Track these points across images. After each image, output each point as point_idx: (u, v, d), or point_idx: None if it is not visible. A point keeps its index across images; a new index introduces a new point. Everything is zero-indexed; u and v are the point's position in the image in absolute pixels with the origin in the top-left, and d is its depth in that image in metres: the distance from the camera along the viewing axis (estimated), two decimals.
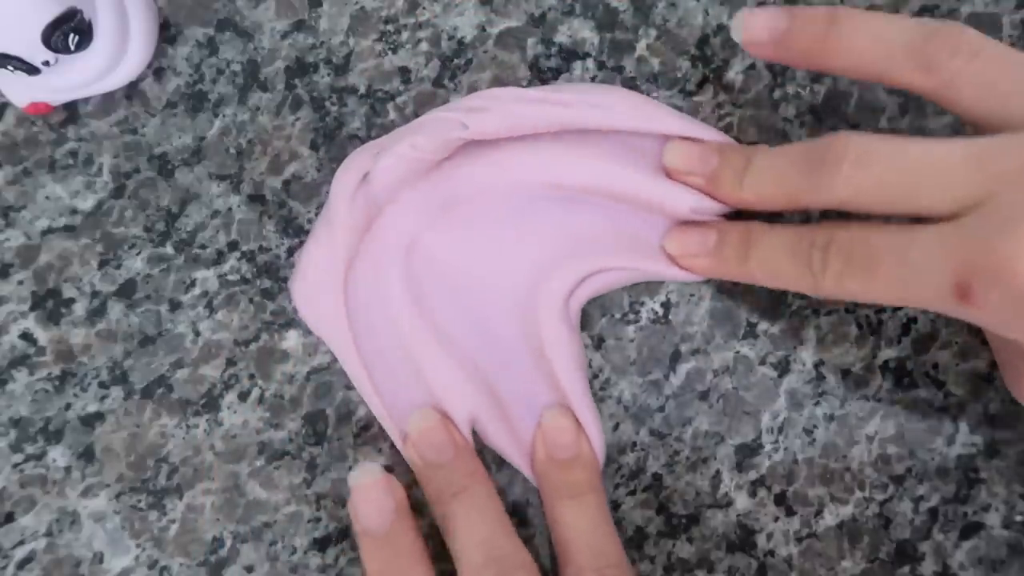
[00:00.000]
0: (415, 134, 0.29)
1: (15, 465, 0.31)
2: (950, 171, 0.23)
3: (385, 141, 0.30)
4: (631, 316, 0.32)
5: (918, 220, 0.24)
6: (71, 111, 0.33)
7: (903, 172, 0.24)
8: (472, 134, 0.29)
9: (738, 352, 0.32)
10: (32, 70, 0.29)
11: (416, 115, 0.33)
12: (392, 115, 0.33)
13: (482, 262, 0.30)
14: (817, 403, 0.32)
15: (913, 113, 0.32)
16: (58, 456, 0.31)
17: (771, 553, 0.31)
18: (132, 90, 0.33)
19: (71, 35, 0.28)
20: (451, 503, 0.28)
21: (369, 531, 0.28)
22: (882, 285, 0.24)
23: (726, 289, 0.32)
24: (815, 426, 0.32)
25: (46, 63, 0.29)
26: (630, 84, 0.33)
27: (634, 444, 0.31)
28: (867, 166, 0.24)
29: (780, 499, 0.31)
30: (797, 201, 0.26)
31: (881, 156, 0.24)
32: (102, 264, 0.32)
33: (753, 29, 0.27)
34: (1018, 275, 0.21)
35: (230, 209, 0.32)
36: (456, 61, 0.33)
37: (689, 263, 0.29)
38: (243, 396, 0.32)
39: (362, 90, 0.33)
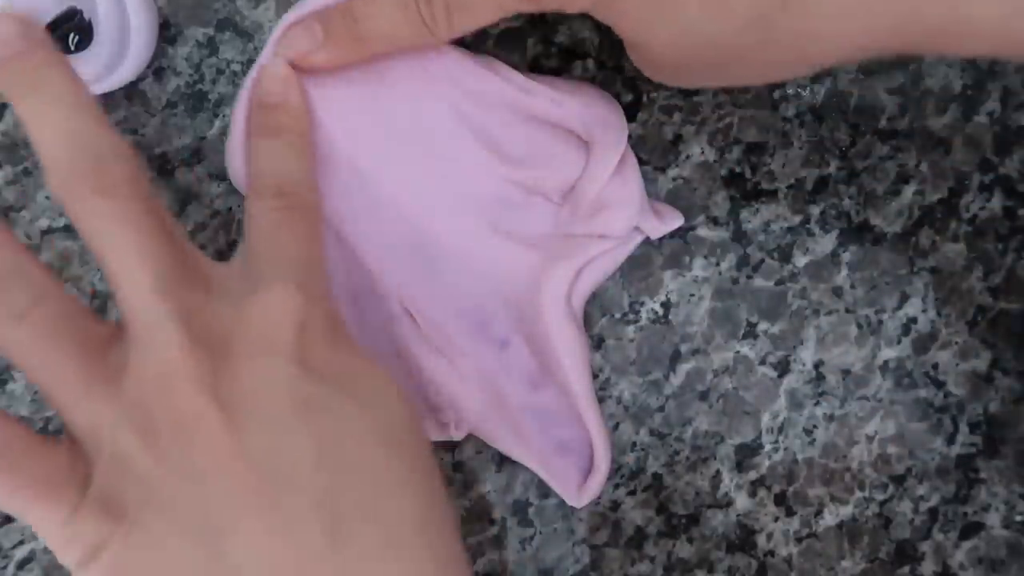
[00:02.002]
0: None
1: None
2: None
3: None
4: (631, 316, 0.32)
5: None
6: None
7: None
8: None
9: (738, 352, 0.32)
10: None
11: None
12: None
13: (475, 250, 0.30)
14: (817, 403, 0.32)
15: (913, 112, 0.32)
16: None
17: (771, 553, 0.31)
18: (132, 90, 0.33)
19: (70, 35, 0.28)
20: (23, 102, 0.24)
21: None
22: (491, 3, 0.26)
23: (726, 289, 0.32)
24: (815, 426, 0.32)
25: None
26: (630, 84, 0.33)
27: (634, 444, 0.31)
28: None
29: (780, 499, 0.31)
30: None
31: None
32: None
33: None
34: None
35: (230, 209, 0.32)
36: None
37: (309, 62, 0.28)
38: None
39: None
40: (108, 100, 0.33)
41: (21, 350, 0.23)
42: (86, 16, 0.28)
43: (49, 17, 0.27)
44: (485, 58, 0.30)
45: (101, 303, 0.32)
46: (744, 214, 0.32)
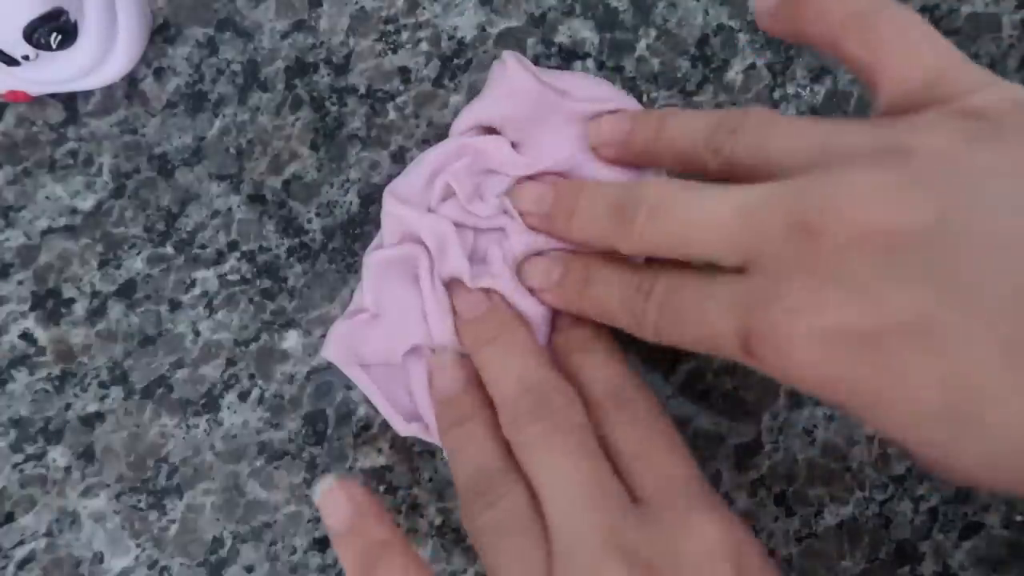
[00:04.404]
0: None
1: (15, 465, 0.31)
2: (721, 226, 0.23)
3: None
4: None
5: None
6: (71, 111, 0.33)
7: (685, 226, 0.24)
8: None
9: None
10: (11, 61, 0.29)
11: (416, 115, 0.33)
12: (392, 115, 0.33)
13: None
14: (817, 403, 0.32)
15: None
16: (58, 456, 0.31)
17: (771, 553, 0.31)
18: (132, 90, 0.33)
19: (54, 34, 0.28)
20: (484, 351, 0.28)
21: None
22: (690, 339, 0.24)
23: None
24: (815, 426, 0.32)
25: (26, 57, 0.29)
26: (630, 84, 0.33)
27: None
28: (658, 219, 0.25)
29: (780, 499, 0.31)
30: (613, 247, 0.26)
31: (670, 209, 0.24)
32: (102, 264, 0.32)
33: (601, 134, 0.29)
34: (783, 339, 0.21)
35: (230, 209, 0.32)
36: (456, 61, 0.33)
37: (540, 296, 0.29)
38: (243, 396, 0.32)
39: (362, 90, 0.33)
40: (108, 100, 0.33)
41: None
42: (71, 17, 0.28)
43: (33, 14, 0.27)
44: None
45: (100, 303, 0.32)
46: None
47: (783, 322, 0.21)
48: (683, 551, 0.23)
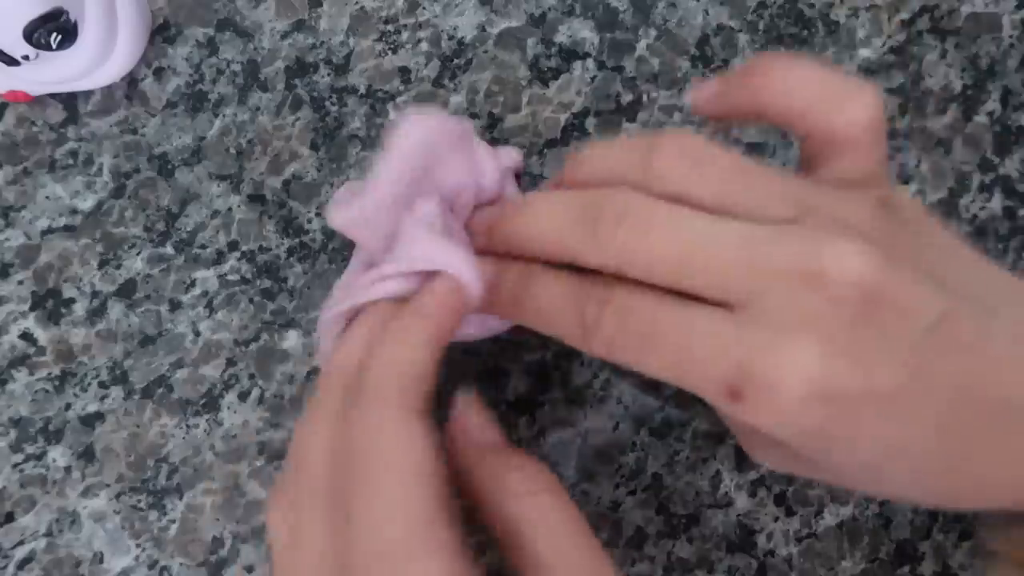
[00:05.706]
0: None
1: (15, 465, 0.31)
2: (723, 259, 0.22)
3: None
4: None
5: None
6: (71, 111, 0.33)
7: (679, 248, 0.22)
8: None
9: None
10: (11, 61, 0.29)
11: None
12: (392, 115, 0.33)
13: None
14: None
15: (913, 113, 0.32)
16: (58, 456, 0.31)
17: (771, 553, 0.31)
18: (132, 90, 0.33)
19: (54, 34, 0.28)
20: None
21: None
22: (655, 364, 0.23)
23: None
24: None
25: (26, 57, 0.29)
26: (630, 84, 0.33)
27: (634, 444, 0.31)
28: (643, 235, 0.23)
29: (780, 499, 0.31)
30: (571, 256, 0.24)
31: (659, 226, 0.23)
32: (102, 264, 0.32)
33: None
34: (785, 387, 0.21)
35: (230, 209, 0.32)
36: (456, 61, 0.33)
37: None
38: (243, 396, 0.32)
39: (362, 90, 0.33)
40: (108, 100, 0.33)
41: None
42: (72, 17, 0.28)
43: (33, 14, 0.27)
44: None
45: (100, 303, 0.32)
46: None
47: (787, 376, 0.21)
48: None
